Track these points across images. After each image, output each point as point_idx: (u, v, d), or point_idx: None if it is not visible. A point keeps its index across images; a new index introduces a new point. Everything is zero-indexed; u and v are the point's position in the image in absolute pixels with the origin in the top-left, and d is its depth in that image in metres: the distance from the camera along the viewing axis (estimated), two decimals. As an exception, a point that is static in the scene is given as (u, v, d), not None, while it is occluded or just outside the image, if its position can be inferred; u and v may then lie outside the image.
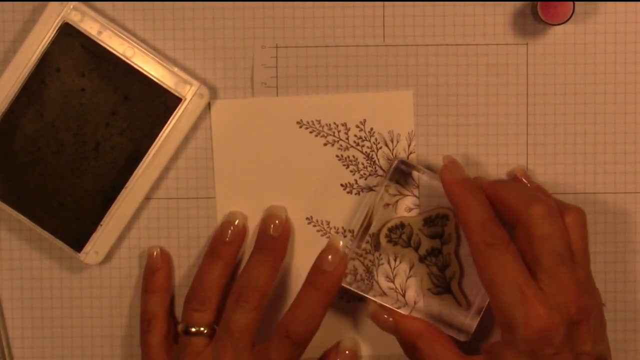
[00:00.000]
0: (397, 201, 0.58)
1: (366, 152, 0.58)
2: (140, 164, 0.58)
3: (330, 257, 0.54)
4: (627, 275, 0.59)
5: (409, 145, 0.58)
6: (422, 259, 0.57)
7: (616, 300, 0.58)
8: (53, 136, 0.58)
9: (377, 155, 0.58)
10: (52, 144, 0.58)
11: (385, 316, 0.55)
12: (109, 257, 0.59)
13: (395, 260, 0.58)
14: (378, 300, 0.56)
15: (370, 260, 0.58)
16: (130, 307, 0.60)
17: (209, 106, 0.59)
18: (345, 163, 0.59)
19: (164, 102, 0.58)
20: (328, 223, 0.59)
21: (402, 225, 0.57)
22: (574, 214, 0.52)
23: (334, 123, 0.59)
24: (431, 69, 0.58)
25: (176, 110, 0.58)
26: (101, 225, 0.58)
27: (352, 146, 0.58)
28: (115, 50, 0.57)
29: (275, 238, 0.57)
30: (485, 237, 0.50)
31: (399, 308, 0.56)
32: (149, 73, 0.58)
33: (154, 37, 0.59)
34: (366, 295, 0.57)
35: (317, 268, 0.55)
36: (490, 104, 0.58)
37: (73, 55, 0.57)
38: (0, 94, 0.57)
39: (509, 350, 0.49)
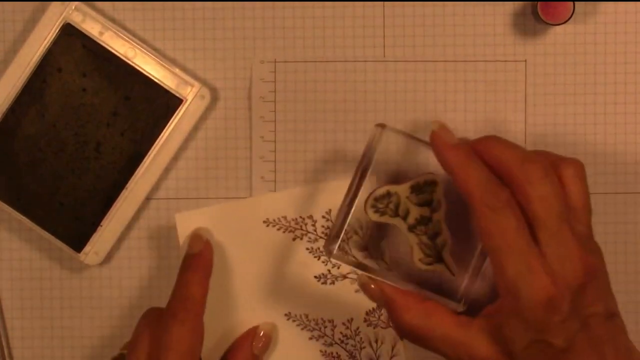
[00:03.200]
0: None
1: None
2: (141, 165, 0.58)
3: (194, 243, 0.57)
4: (628, 276, 0.59)
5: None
6: (411, 228, 0.54)
7: (617, 300, 0.58)
8: (54, 136, 0.58)
9: (348, 245, 0.58)
10: (53, 144, 0.58)
11: (373, 286, 0.53)
12: (108, 257, 0.59)
13: (377, 343, 0.59)
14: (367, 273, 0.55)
15: (352, 345, 0.58)
16: (130, 308, 0.60)
17: (209, 107, 0.59)
18: (316, 255, 0.59)
19: (165, 102, 0.58)
20: (307, 316, 0.59)
21: (388, 194, 0.54)
22: (572, 167, 0.50)
23: (300, 217, 0.59)
24: (429, 84, 0.59)
25: (177, 111, 0.58)
26: (101, 225, 0.58)
27: (320, 237, 0.58)
28: (116, 50, 0.58)
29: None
30: (488, 200, 0.48)
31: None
32: (150, 74, 0.58)
33: (154, 37, 0.59)
34: (357, 270, 0.55)
35: (187, 254, 0.57)
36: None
37: (74, 55, 0.58)
38: (2, 94, 0.57)
39: (513, 319, 0.48)
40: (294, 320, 0.59)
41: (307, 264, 0.59)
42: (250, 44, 0.59)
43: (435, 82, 0.58)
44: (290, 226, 0.59)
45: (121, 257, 0.60)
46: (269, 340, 0.59)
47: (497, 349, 0.49)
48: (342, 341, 0.59)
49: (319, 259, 0.59)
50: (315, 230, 0.59)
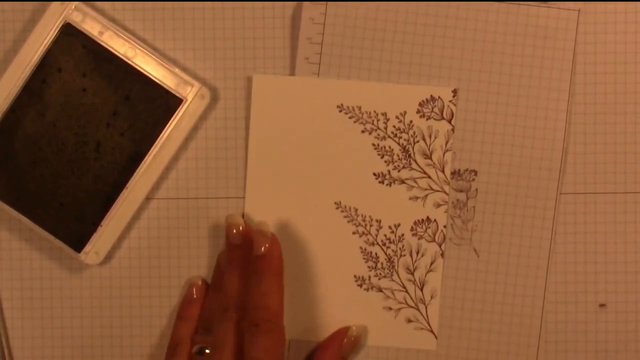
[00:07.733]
0: (426, 195, 0.58)
1: (403, 144, 0.58)
2: (141, 165, 0.58)
3: (261, 242, 0.55)
4: (627, 275, 0.59)
5: (446, 143, 0.58)
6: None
7: (616, 300, 0.58)
8: (54, 136, 0.58)
9: (413, 149, 0.58)
10: (53, 143, 0.58)
11: None
12: (109, 257, 0.59)
13: (417, 254, 0.58)
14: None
15: (392, 250, 0.58)
16: (130, 308, 0.60)
17: (209, 107, 0.59)
18: (380, 153, 0.58)
19: (165, 102, 0.58)
20: (356, 210, 0.59)
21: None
22: None
23: (374, 111, 0.58)
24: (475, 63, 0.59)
25: (177, 111, 0.58)
26: (101, 225, 0.58)
27: (389, 137, 0.58)
28: (116, 50, 0.58)
29: (240, 247, 0.56)
30: None
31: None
32: (150, 74, 0.58)
33: (154, 37, 0.59)
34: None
35: (255, 255, 0.55)
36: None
37: (74, 55, 0.58)
38: (2, 94, 0.57)
39: None
40: (342, 211, 0.59)
41: (369, 160, 0.58)
42: (250, 44, 0.59)
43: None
44: (362, 118, 0.58)
45: (121, 257, 0.60)
46: (357, 342, 0.58)
47: None
48: (384, 244, 0.59)
49: (382, 157, 0.58)
50: (385, 129, 0.58)
